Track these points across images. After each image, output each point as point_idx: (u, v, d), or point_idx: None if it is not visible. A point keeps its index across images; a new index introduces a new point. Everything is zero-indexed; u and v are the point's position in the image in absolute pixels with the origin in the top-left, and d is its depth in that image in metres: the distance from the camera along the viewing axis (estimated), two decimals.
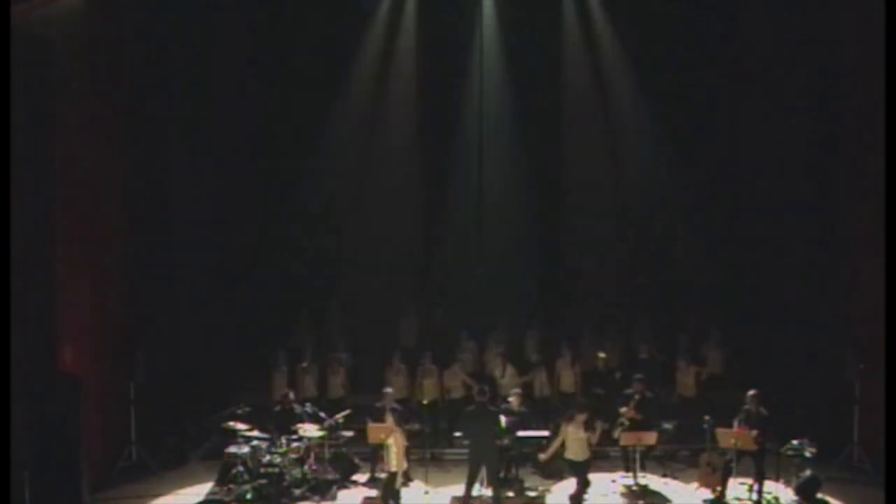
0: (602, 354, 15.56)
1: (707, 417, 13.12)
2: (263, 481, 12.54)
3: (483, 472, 12.27)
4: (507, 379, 15.20)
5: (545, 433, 13.61)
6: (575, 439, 12.04)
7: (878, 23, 11.97)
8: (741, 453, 12.59)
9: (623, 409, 13.50)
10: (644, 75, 17.35)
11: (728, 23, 16.59)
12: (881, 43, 11.89)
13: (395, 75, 18.02)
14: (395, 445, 11.85)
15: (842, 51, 14.36)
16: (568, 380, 15.37)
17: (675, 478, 13.63)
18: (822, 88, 14.89)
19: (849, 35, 14.14)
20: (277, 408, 13.82)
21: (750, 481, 12.77)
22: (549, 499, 12.91)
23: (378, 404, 13.50)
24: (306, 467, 13.03)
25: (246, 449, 12.81)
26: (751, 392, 12.71)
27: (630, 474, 13.30)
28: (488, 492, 12.32)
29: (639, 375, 13.93)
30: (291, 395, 13.96)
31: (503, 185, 18.31)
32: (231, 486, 12.59)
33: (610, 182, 18.13)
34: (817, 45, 14.85)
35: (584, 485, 12.12)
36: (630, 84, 17.61)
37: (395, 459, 11.84)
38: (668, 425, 14.07)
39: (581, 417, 12.05)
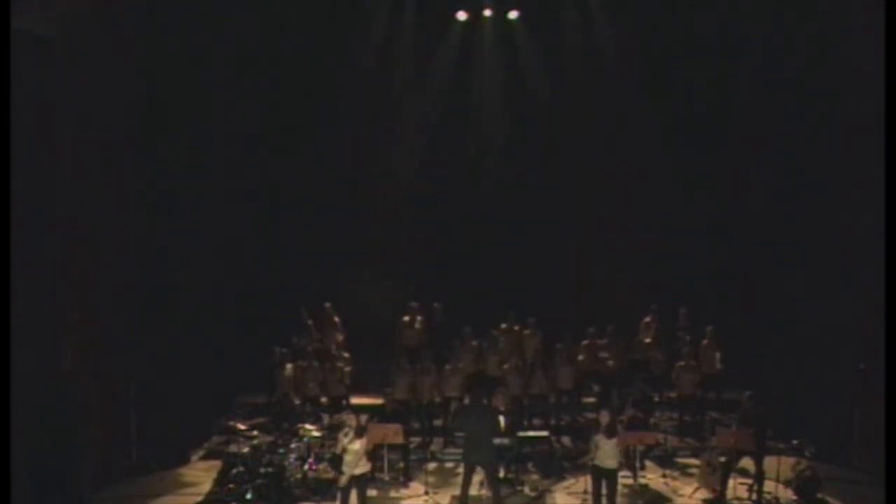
0: (605, 355, 15.54)
1: (707, 417, 13.13)
2: (263, 481, 12.55)
3: (482, 472, 12.26)
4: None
5: (545, 433, 13.64)
6: (603, 446, 11.75)
7: (879, 22, 11.98)
8: (741, 453, 12.60)
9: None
10: (646, 76, 17.43)
11: (728, 23, 16.58)
12: (881, 42, 11.90)
13: (395, 74, 18.05)
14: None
15: (842, 50, 14.36)
16: (566, 377, 15.37)
17: (675, 478, 13.65)
18: (824, 88, 14.87)
19: (849, 34, 14.13)
20: (277, 407, 13.82)
21: (750, 481, 12.79)
22: (548, 499, 12.92)
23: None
24: (306, 467, 13.05)
25: (246, 449, 12.82)
26: (749, 392, 12.72)
27: (630, 474, 13.31)
28: (488, 492, 12.30)
29: (640, 375, 13.94)
30: (291, 395, 13.95)
31: (504, 183, 18.36)
32: (231, 486, 12.59)
33: (611, 181, 18.15)
34: (818, 44, 14.84)
35: (612, 489, 11.76)
36: (632, 82, 17.64)
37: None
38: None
39: (606, 423, 11.78)
